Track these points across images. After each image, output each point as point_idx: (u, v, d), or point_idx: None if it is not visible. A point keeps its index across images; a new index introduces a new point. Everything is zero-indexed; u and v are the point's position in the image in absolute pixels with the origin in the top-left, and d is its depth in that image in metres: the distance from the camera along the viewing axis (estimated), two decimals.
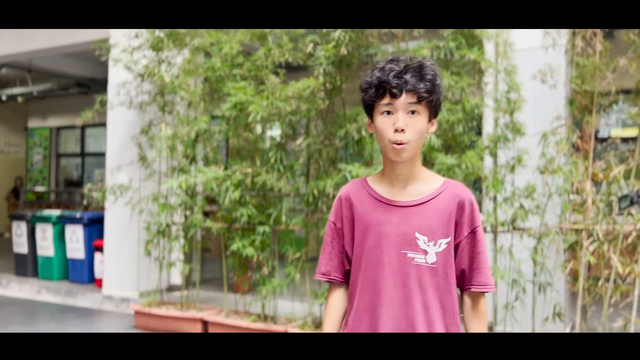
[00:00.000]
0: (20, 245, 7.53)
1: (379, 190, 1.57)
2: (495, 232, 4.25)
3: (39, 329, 5.63)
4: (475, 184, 4.60)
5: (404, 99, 1.45)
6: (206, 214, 5.65)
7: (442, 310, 1.51)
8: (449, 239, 1.51)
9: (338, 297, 1.66)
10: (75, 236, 7.03)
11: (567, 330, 4.78)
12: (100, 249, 6.76)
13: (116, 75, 6.14)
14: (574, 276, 4.03)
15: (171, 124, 5.36)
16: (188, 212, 5.33)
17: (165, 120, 5.36)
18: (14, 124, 13.14)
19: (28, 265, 7.47)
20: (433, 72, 1.47)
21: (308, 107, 4.35)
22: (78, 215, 6.99)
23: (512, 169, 4.03)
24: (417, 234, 1.49)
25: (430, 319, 1.50)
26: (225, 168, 4.86)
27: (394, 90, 1.45)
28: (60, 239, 7.23)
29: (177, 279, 6.53)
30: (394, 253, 1.50)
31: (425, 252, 1.49)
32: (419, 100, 1.45)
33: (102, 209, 6.90)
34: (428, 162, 4.19)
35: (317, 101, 4.44)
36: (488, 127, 4.46)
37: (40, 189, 12.31)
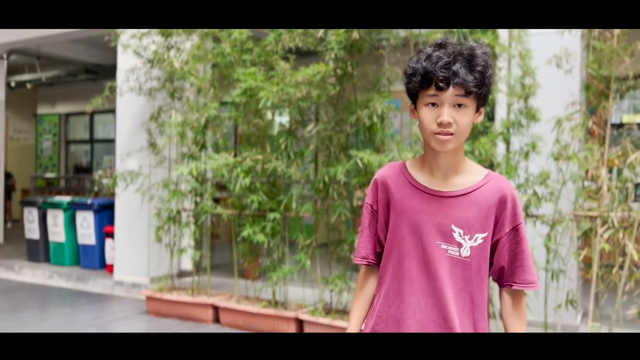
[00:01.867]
0: (32, 231, 7.59)
1: (418, 177, 1.52)
2: None
3: (52, 313, 5.69)
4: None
5: (451, 92, 1.37)
6: (216, 201, 5.64)
7: (471, 305, 1.48)
8: (485, 234, 1.46)
9: (372, 280, 1.64)
10: (86, 222, 7.07)
11: (580, 318, 4.76)
12: (110, 235, 6.80)
13: (125, 62, 6.11)
14: (587, 263, 4.00)
15: (181, 110, 5.33)
16: (198, 199, 5.33)
17: (174, 106, 5.34)
18: (23, 111, 13.18)
19: (40, 251, 7.53)
20: (484, 62, 1.39)
21: (319, 93, 4.31)
22: (89, 201, 7.02)
23: (526, 155, 3.98)
24: (453, 226, 1.46)
25: (459, 312, 1.48)
26: (235, 155, 4.84)
27: (441, 84, 1.37)
28: (71, 225, 7.28)
29: (187, 265, 6.56)
30: (428, 243, 1.47)
31: (460, 245, 1.46)
32: (467, 94, 1.37)
33: (113, 195, 6.92)
34: None
35: (328, 87, 4.39)
36: (501, 112, 4.40)
37: (50, 175, 12.37)
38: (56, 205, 7.29)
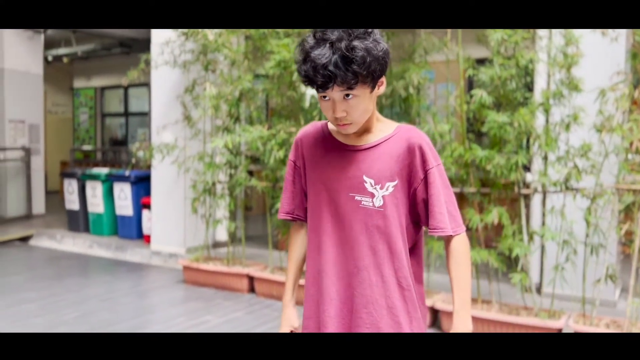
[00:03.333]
0: (72, 202, 7.83)
1: (336, 135, 1.58)
2: (544, 192, 4.14)
3: (93, 281, 5.91)
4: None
5: (335, 90, 1.39)
6: (250, 173, 5.69)
7: (390, 254, 1.50)
8: (396, 182, 1.49)
9: (302, 236, 1.69)
10: (123, 194, 7.25)
11: (618, 293, 4.68)
12: (147, 206, 6.96)
13: (159, 35, 6.15)
14: (628, 238, 3.90)
15: (215, 83, 5.36)
16: (233, 171, 5.39)
17: (209, 79, 5.36)
18: (60, 85, 13.45)
19: (80, 221, 7.78)
20: (364, 48, 1.35)
21: None
22: (127, 173, 7.18)
23: (567, 127, 3.87)
24: (364, 177, 1.49)
25: (377, 262, 1.50)
26: (269, 127, 4.85)
27: (321, 89, 1.40)
28: (109, 196, 7.48)
29: (221, 236, 6.69)
30: (342, 195, 1.51)
31: (372, 195, 1.49)
32: (352, 87, 1.38)
33: (149, 167, 7.06)
34: (478, 120, 4.08)
35: None
36: (541, 82, 4.27)
37: (87, 147, 12.68)
38: (95, 177, 7.49)
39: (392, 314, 1.50)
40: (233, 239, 5.73)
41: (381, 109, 4.47)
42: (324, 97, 1.43)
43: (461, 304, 1.49)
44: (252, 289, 5.23)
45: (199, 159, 5.44)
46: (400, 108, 4.19)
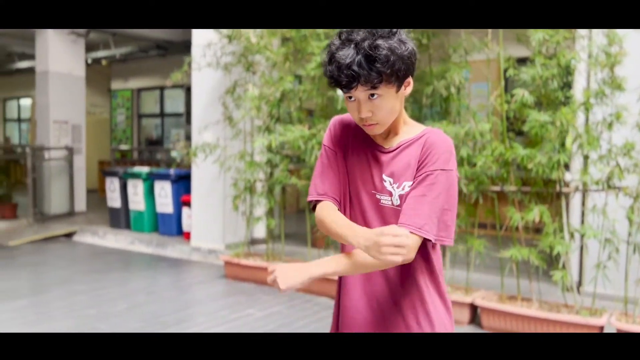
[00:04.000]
0: (114, 200, 8.10)
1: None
2: (585, 191, 4.15)
3: (137, 275, 6.13)
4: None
5: (360, 90, 1.39)
6: (289, 172, 5.83)
7: None
8: (412, 182, 1.48)
9: (327, 206, 1.56)
10: (164, 192, 7.48)
11: None
12: (187, 203, 7.17)
13: (201, 37, 6.33)
14: None
15: (257, 84, 5.51)
16: (272, 170, 5.53)
17: (250, 80, 5.52)
18: (99, 86, 13.87)
19: (121, 218, 8.05)
20: (387, 47, 1.35)
21: None
22: (171, 171, 7.38)
23: (610, 125, 3.88)
24: (384, 176, 1.51)
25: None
26: (309, 127, 4.97)
27: (345, 89, 1.41)
28: (150, 194, 7.72)
29: (259, 233, 6.85)
30: (366, 193, 1.54)
31: (391, 194, 1.50)
32: (376, 87, 1.38)
33: (188, 166, 7.27)
34: (518, 119, 4.12)
35: None
36: (582, 82, 4.29)
37: (124, 147, 13.04)
38: (136, 176, 7.74)
39: (402, 313, 1.52)
40: (271, 236, 5.87)
41: (420, 108, 4.55)
42: (350, 97, 1.43)
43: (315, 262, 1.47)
44: None
45: (239, 158, 5.60)
46: (440, 107, 4.26)
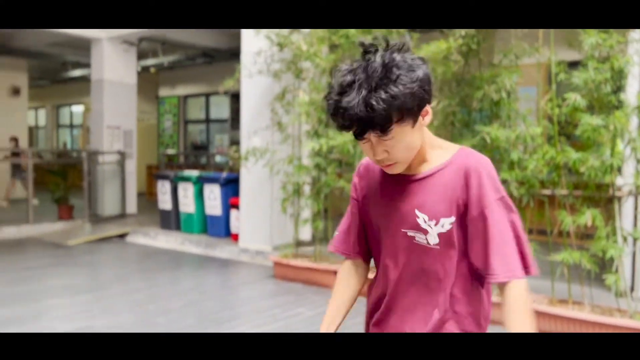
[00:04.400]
0: (165, 202, 8.42)
1: None
2: (638, 195, 4.12)
3: (190, 274, 6.37)
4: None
5: (371, 135, 1.27)
6: (337, 175, 5.96)
7: (445, 294, 1.37)
8: (453, 219, 1.33)
9: (348, 275, 1.56)
10: (212, 195, 7.73)
11: None
12: (235, 206, 7.39)
13: (251, 44, 6.55)
14: None
15: (305, 90, 5.67)
16: (320, 174, 5.68)
17: (299, 87, 5.69)
18: (147, 93, 14.38)
19: (172, 220, 8.35)
20: (389, 95, 1.21)
21: (444, 70, 4.43)
22: (223, 175, 7.61)
23: None
24: (416, 211, 1.35)
25: (433, 302, 1.38)
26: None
27: (357, 137, 1.28)
28: (199, 197, 7.99)
29: (304, 235, 7.00)
30: (396, 231, 1.39)
31: (426, 232, 1.35)
32: (386, 132, 1.25)
33: (235, 170, 7.50)
34: (570, 123, 4.13)
35: (449, 64, 4.50)
36: (636, 85, 4.26)
37: (171, 151, 13.47)
38: (186, 179, 8.03)
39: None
40: (317, 237, 6.01)
41: (469, 112, 4.60)
42: (362, 140, 1.30)
43: None
44: None
45: (288, 161, 5.77)
46: (491, 111, 4.31)
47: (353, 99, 1.22)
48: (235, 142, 11.01)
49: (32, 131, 17.71)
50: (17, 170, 11.34)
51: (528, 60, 4.61)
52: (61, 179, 9.60)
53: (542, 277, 5.16)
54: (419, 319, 1.40)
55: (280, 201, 5.88)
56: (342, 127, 1.28)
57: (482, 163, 1.34)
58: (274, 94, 6.06)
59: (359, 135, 1.27)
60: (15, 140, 11.72)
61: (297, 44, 5.38)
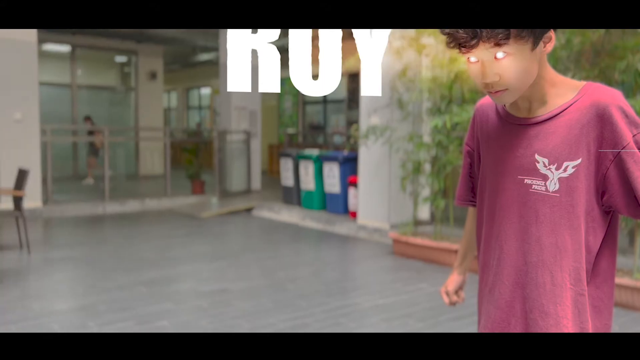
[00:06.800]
0: (287, 179, 8.84)
1: (509, 107, 1.32)
2: None
3: (313, 247, 6.69)
4: None
5: (482, 48, 1.12)
6: (460, 153, 5.87)
7: (563, 250, 1.24)
8: (579, 161, 1.19)
9: (472, 215, 1.57)
10: (332, 173, 7.98)
11: None
12: (353, 184, 7.57)
13: None
14: None
15: (427, 66, 5.63)
16: (441, 152, 5.63)
17: (421, 63, 5.65)
18: None
19: (293, 196, 8.76)
20: None
21: (581, 39, 4.16)
22: (345, 152, 7.84)
23: None
24: (536, 156, 1.23)
25: (547, 259, 1.25)
26: None
27: (463, 48, 1.14)
28: (319, 174, 8.29)
29: (422, 214, 6.99)
30: (510, 179, 1.28)
31: (546, 178, 1.23)
32: (501, 44, 1.11)
33: (353, 150, 7.65)
34: None
35: (587, 33, 4.21)
36: None
37: (291, 131, 14.02)
38: (307, 157, 8.36)
39: (560, 324, 1.24)
40: (437, 217, 5.99)
41: (610, 83, 4.28)
42: (472, 59, 1.17)
43: None
44: None
45: (408, 139, 5.79)
46: (635, 83, 3.98)
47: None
48: (351, 122, 11.18)
49: (165, 112, 19.37)
50: (92, 148, 11.57)
51: None
52: (194, 157, 10.44)
53: None
54: (529, 279, 1.30)
55: (400, 179, 5.93)
56: (453, 41, 1.15)
57: (615, 96, 1.19)
58: (395, 71, 6.07)
59: (468, 44, 1.12)
60: (89, 120, 11.91)
61: None
